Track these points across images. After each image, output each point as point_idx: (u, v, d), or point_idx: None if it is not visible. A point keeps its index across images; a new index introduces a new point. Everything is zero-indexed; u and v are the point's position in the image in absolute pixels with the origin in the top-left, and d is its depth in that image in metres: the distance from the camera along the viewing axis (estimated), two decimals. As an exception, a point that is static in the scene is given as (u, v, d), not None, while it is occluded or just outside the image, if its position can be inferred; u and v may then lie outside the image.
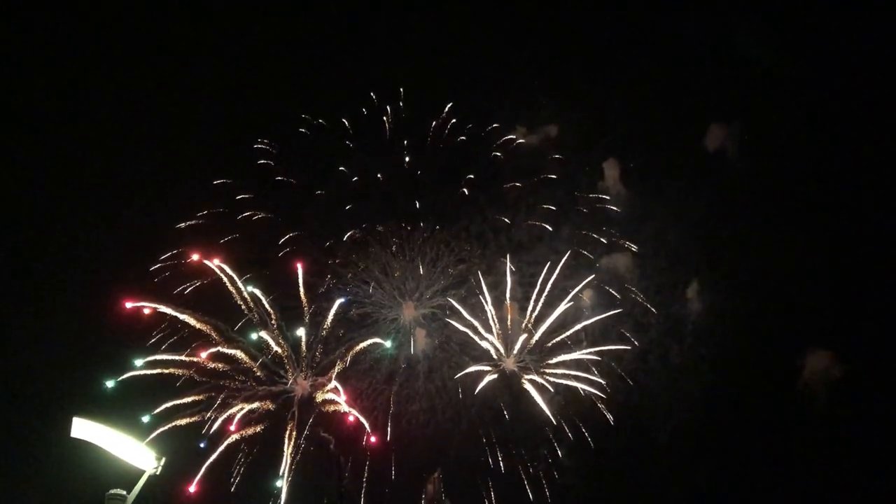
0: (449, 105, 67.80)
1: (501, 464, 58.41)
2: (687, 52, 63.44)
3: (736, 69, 62.00)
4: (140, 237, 57.16)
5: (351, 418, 57.24)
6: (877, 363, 51.18)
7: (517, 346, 61.21)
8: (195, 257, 57.09)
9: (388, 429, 58.94)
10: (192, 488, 52.27)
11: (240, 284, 57.66)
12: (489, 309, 60.81)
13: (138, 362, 51.04)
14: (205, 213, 60.88)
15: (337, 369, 58.13)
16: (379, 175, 64.79)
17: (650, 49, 65.01)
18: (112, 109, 60.98)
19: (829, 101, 58.17)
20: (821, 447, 51.21)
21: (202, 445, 52.40)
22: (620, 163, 64.98)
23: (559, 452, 58.10)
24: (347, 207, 63.49)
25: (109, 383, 37.69)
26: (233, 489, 54.52)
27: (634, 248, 62.47)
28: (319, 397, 57.77)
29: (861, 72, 59.46)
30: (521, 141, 67.53)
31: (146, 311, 53.46)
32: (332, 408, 57.89)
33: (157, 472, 33.68)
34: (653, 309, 60.58)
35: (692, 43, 63.09)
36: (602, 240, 63.14)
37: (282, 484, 54.30)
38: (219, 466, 53.62)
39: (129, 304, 52.87)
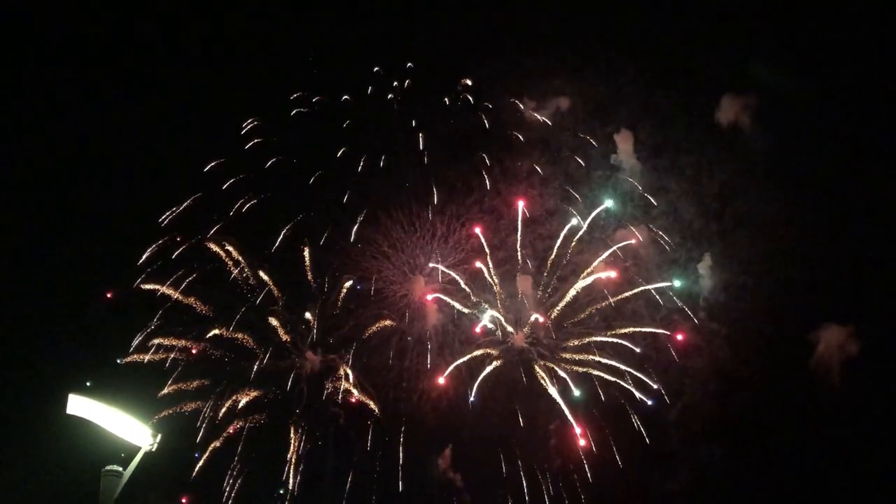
0: (459, 79, 66.49)
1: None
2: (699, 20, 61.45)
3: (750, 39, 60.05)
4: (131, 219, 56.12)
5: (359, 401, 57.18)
6: (893, 339, 49.83)
7: (530, 323, 60.47)
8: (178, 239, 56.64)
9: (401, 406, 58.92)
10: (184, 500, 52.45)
11: (244, 265, 57.52)
12: (492, 278, 59.83)
13: (121, 360, 51.08)
14: (196, 195, 59.68)
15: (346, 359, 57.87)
16: (384, 157, 63.20)
17: (662, 18, 63.02)
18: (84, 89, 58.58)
19: (845, 74, 56.20)
20: (834, 424, 50.23)
21: (196, 455, 52.25)
22: (634, 135, 63.53)
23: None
24: (347, 196, 62.12)
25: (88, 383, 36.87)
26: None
27: (670, 247, 60.51)
28: (329, 386, 57.46)
29: (880, 42, 57.25)
30: (532, 115, 66.13)
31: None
32: (341, 396, 57.65)
33: (154, 449, 33.84)
34: (669, 289, 59.24)
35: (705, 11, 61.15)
36: (623, 220, 62.01)
37: (289, 466, 54.17)
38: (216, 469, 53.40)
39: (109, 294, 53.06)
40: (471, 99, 65.67)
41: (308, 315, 58.39)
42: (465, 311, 59.30)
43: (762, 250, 56.98)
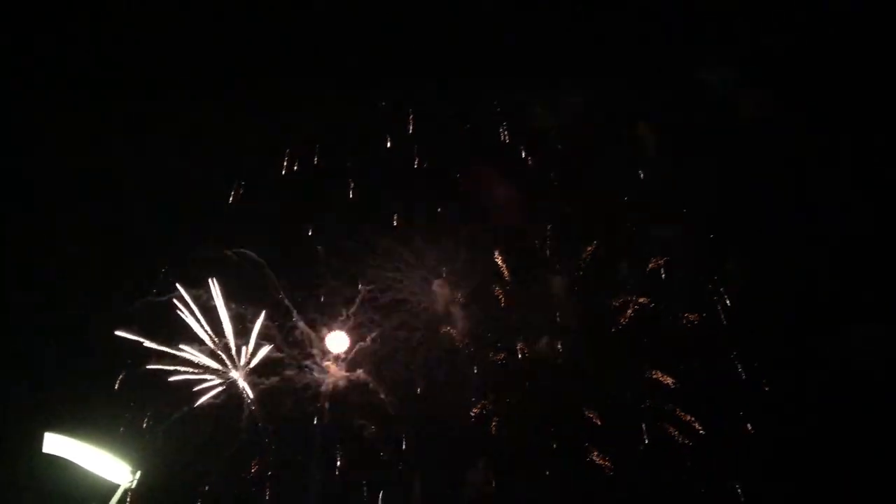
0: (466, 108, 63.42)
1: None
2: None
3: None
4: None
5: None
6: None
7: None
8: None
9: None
10: None
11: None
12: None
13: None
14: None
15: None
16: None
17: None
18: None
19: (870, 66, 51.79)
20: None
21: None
22: (653, 133, 60.94)
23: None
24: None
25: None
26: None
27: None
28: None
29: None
30: (544, 122, 63.89)
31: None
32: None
33: (133, 486, 33.09)
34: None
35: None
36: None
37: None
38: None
39: None
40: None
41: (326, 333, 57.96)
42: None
43: (792, 248, 53.59)
